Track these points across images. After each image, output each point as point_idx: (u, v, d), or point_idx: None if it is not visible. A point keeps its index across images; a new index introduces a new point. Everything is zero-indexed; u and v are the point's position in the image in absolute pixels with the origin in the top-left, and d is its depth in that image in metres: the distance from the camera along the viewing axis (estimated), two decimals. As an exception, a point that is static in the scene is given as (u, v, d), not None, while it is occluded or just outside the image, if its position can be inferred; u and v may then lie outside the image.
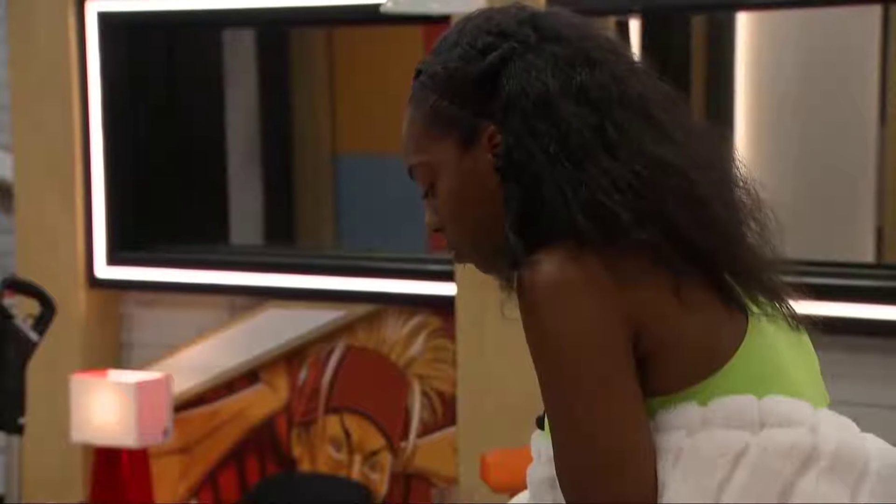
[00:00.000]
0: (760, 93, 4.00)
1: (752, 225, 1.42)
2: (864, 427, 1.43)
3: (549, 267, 1.33)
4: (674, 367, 1.35)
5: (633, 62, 1.44)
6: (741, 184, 1.43)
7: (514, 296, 1.39)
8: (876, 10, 3.83)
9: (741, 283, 1.40)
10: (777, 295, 1.43)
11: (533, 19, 1.43)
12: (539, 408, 1.50)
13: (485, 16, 1.46)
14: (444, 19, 3.77)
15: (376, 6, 3.55)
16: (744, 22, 4.02)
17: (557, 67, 1.39)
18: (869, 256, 3.89)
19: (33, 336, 3.77)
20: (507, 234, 1.39)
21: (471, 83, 1.42)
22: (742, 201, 1.42)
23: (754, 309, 1.40)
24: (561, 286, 1.32)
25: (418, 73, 1.48)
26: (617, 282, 1.32)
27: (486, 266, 1.48)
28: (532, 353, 1.35)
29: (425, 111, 1.45)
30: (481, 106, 1.42)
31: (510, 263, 1.40)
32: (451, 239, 1.48)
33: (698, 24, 3.97)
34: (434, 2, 3.47)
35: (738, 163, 1.45)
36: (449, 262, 3.93)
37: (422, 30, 4.55)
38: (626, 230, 1.33)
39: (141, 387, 4.14)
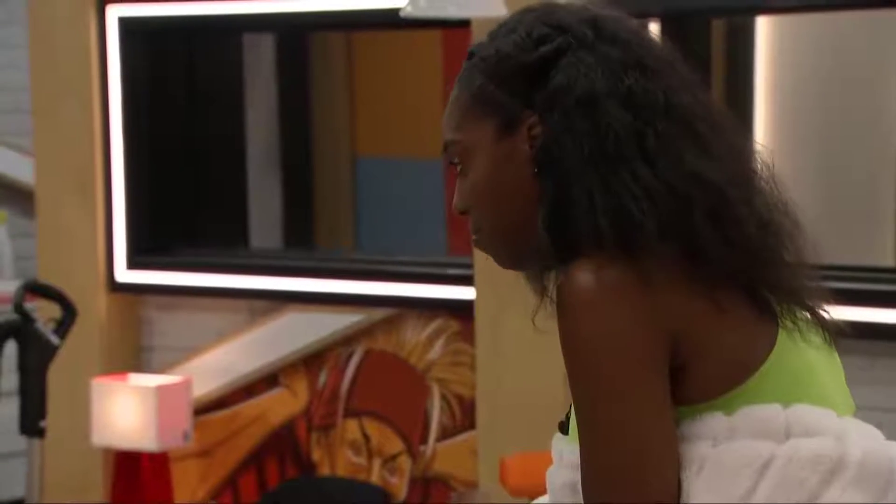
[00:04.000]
0: (780, 96, 3.99)
1: (789, 247, 1.40)
2: (885, 433, 1.43)
3: (588, 275, 1.32)
4: (707, 376, 1.34)
5: (687, 76, 1.43)
6: (780, 206, 1.41)
7: (547, 304, 1.39)
8: (896, 14, 3.82)
9: (772, 295, 1.39)
10: (808, 305, 1.42)
11: (594, 20, 1.42)
12: (558, 412, 1.50)
13: (547, 9, 1.45)
14: (462, 23, 3.77)
15: (395, 10, 3.55)
16: (763, 25, 4.01)
17: (608, 68, 1.38)
18: (889, 261, 3.88)
19: (54, 340, 3.79)
20: (538, 231, 1.39)
21: (520, 71, 1.41)
22: (779, 223, 1.40)
23: (784, 316, 1.39)
24: (599, 294, 1.31)
25: (471, 54, 1.48)
26: (656, 292, 1.31)
27: (507, 258, 1.47)
28: (565, 358, 1.34)
29: (471, 91, 1.44)
30: (526, 95, 1.41)
31: (541, 263, 1.39)
32: (475, 224, 1.47)
33: (718, 27, 3.97)
34: (453, 6, 3.47)
35: (778, 185, 1.42)
36: (468, 265, 3.93)
37: (441, 34, 4.55)
38: (648, 241, 1.32)
39: (161, 390, 4.15)
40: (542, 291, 1.46)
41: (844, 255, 3.60)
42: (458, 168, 1.47)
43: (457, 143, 1.46)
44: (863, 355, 3.41)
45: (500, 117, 1.42)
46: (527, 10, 1.46)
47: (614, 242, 1.33)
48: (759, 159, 1.43)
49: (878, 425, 1.43)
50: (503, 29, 1.46)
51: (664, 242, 1.33)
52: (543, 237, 1.38)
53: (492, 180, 1.43)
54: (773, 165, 1.43)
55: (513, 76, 1.42)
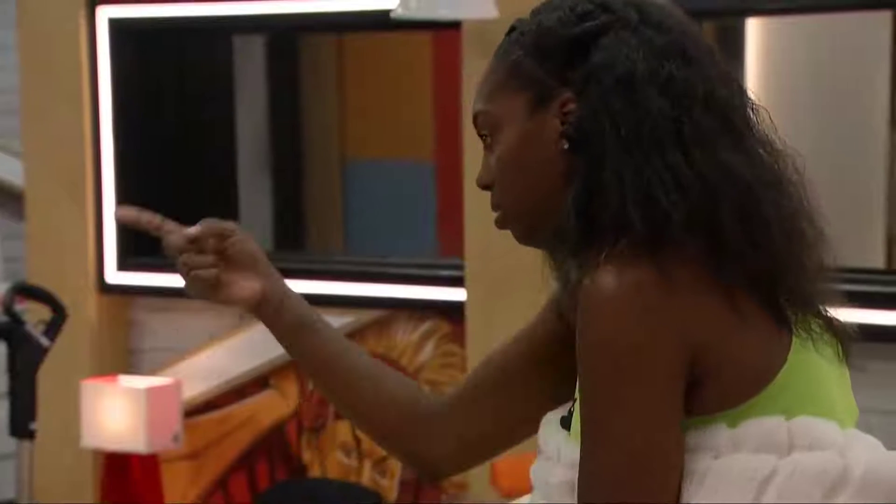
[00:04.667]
0: (770, 98, 3.99)
1: (810, 256, 1.39)
2: (878, 435, 1.43)
3: (613, 279, 1.29)
4: (723, 388, 1.32)
5: (726, 69, 1.41)
6: (806, 213, 1.40)
7: (571, 296, 1.37)
8: (886, 16, 3.83)
9: (789, 303, 1.37)
10: (823, 315, 1.40)
11: (640, 2, 1.40)
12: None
13: None
14: (453, 25, 3.77)
15: (386, 12, 3.55)
16: (753, 27, 4.02)
17: (651, 52, 1.36)
18: (880, 262, 3.88)
19: (44, 341, 3.78)
20: (560, 210, 1.36)
21: (560, 46, 1.39)
22: (803, 230, 1.38)
23: (798, 325, 1.37)
24: (623, 301, 1.29)
25: (512, 28, 1.46)
26: (680, 302, 1.29)
27: (527, 235, 1.44)
28: (582, 360, 1.31)
29: (508, 64, 1.42)
30: (564, 71, 1.39)
31: (560, 246, 1.38)
32: (499, 199, 1.44)
33: (708, 29, 3.97)
34: (443, 7, 3.47)
35: (807, 190, 1.41)
36: (459, 267, 3.93)
37: (431, 36, 4.55)
38: (673, 231, 1.30)
39: (151, 392, 4.14)
40: (565, 283, 1.42)
41: (835, 256, 3.60)
42: (486, 140, 1.45)
43: (487, 114, 1.44)
44: (854, 357, 3.41)
45: (534, 91, 1.40)
46: None
47: (641, 231, 1.30)
48: (790, 162, 1.41)
49: (870, 427, 1.42)
50: (548, 5, 1.43)
51: (690, 235, 1.30)
52: (570, 215, 1.35)
53: (519, 154, 1.41)
54: (804, 170, 1.40)
55: (552, 51, 1.39)
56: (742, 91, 1.42)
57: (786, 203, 1.38)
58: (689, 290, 1.30)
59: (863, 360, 3.68)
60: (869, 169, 3.91)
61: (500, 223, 1.46)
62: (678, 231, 1.30)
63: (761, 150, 1.39)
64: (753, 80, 4.00)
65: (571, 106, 1.38)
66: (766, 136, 1.41)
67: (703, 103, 1.35)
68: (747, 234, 1.33)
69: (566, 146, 1.38)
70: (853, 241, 3.93)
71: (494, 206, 1.45)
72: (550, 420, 1.50)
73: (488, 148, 1.45)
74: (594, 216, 1.34)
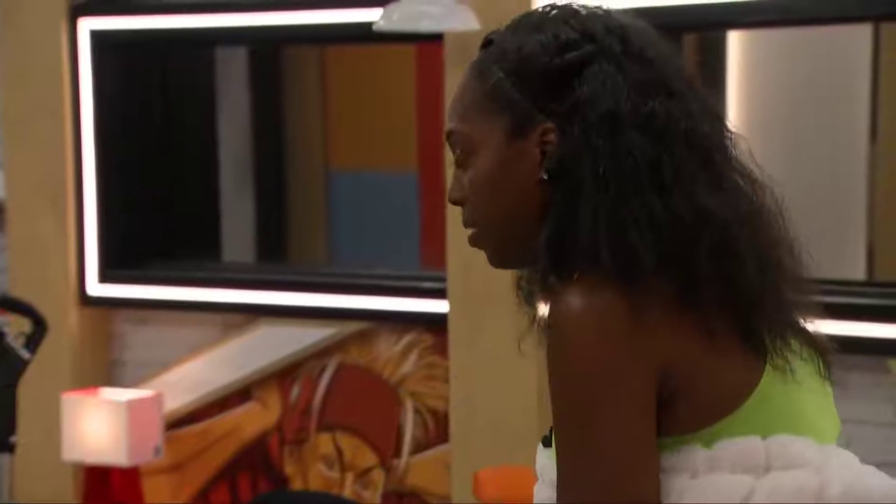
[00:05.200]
0: (751, 111, 4.01)
1: (787, 284, 1.38)
2: (857, 446, 1.43)
3: (580, 299, 1.29)
4: (693, 408, 1.32)
5: (706, 101, 1.40)
6: (784, 242, 1.40)
7: (537, 327, 1.38)
8: (866, 29, 3.85)
9: (763, 327, 1.37)
10: (801, 334, 1.41)
11: (622, 30, 1.39)
12: (532, 426, 1.50)
13: (573, 10, 1.42)
14: (436, 37, 3.78)
15: (369, 24, 3.56)
16: (735, 40, 4.03)
17: (634, 88, 1.35)
18: (860, 274, 3.90)
19: (25, 354, 3.77)
20: (533, 237, 1.36)
21: (542, 74, 1.38)
22: (780, 259, 1.38)
23: (772, 345, 1.37)
24: (590, 319, 1.29)
25: (489, 41, 1.44)
26: (648, 321, 1.29)
27: (499, 259, 1.44)
28: (550, 379, 1.32)
29: (486, 85, 1.40)
30: (545, 100, 1.38)
31: (538, 275, 1.38)
32: (471, 218, 1.44)
33: (690, 42, 3.99)
34: (426, 20, 3.48)
35: (786, 220, 1.40)
36: (442, 279, 3.93)
37: (414, 48, 4.56)
38: (644, 273, 1.30)
39: (132, 405, 4.13)
40: (533, 317, 1.43)
41: (815, 268, 3.61)
42: (458, 158, 1.44)
43: (463, 135, 1.43)
44: (834, 368, 3.42)
45: (514, 118, 1.39)
46: (551, 7, 1.43)
47: (611, 270, 1.30)
48: (768, 192, 1.41)
49: (850, 438, 1.43)
50: (526, 23, 1.42)
51: (661, 275, 1.30)
52: (542, 245, 1.36)
53: (496, 178, 1.40)
54: (784, 199, 1.40)
55: (534, 78, 1.38)
56: (721, 122, 1.41)
57: (763, 236, 1.38)
58: (655, 309, 1.30)
59: (844, 371, 3.70)
60: (850, 180, 3.92)
61: (473, 242, 1.46)
62: (650, 272, 1.30)
63: (740, 182, 1.39)
64: (735, 92, 4.02)
65: (552, 136, 1.37)
66: (745, 167, 1.41)
67: (684, 140, 1.35)
68: (721, 270, 1.33)
69: (545, 177, 1.37)
70: (834, 253, 3.94)
71: (467, 224, 1.45)
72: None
73: (460, 165, 1.44)
74: (568, 249, 1.34)
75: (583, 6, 1.43)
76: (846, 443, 1.42)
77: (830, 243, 3.96)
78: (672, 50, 1.43)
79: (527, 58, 1.39)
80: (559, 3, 1.43)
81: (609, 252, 1.31)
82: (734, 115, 4.03)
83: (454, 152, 1.45)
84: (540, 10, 1.44)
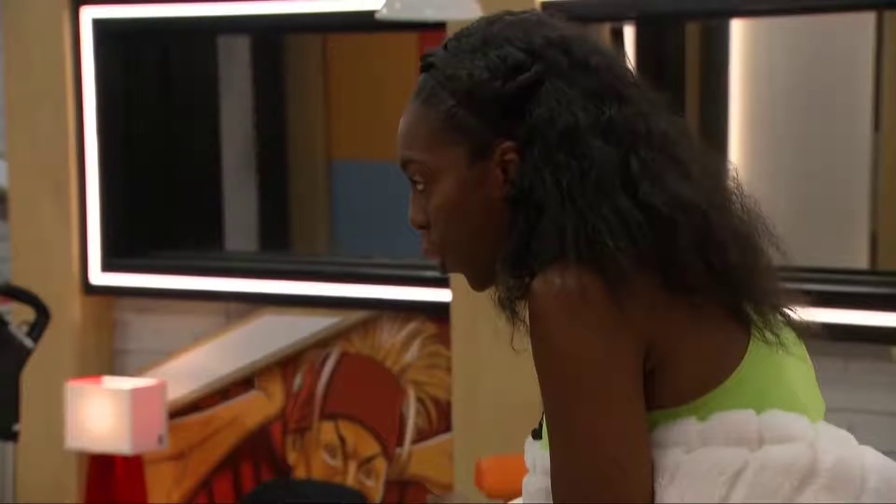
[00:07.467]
0: (754, 99, 4.01)
1: (764, 258, 1.41)
2: (858, 434, 1.44)
3: (556, 280, 1.31)
4: (678, 380, 1.34)
5: (655, 98, 1.42)
6: (753, 218, 1.41)
7: (519, 326, 1.39)
8: (870, 17, 3.85)
9: (749, 303, 1.39)
10: (781, 309, 1.42)
11: (563, 42, 1.39)
12: (535, 414, 1.50)
13: (510, 23, 1.41)
14: (438, 26, 3.77)
15: (371, 13, 3.55)
16: (738, 28, 4.03)
17: (587, 100, 1.36)
18: (863, 263, 3.90)
19: (28, 343, 3.77)
20: (503, 257, 1.38)
21: (495, 100, 1.38)
22: (756, 242, 1.40)
23: (758, 321, 1.39)
24: (567, 299, 1.30)
25: (430, 65, 1.43)
26: (628, 296, 1.30)
27: (479, 284, 1.46)
28: (536, 365, 1.34)
29: (440, 114, 1.41)
30: (502, 124, 1.38)
31: (506, 292, 1.39)
32: (436, 242, 1.45)
33: (692, 31, 3.98)
34: (429, 9, 3.47)
35: (750, 197, 1.42)
36: (444, 268, 3.93)
37: (416, 37, 4.55)
38: (622, 274, 1.31)
39: (135, 393, 4.14)
40: (513, 317, 1.43)
41: (819, 257, 3.62)
42: (417, 185, 1.44)
43: (422, 164, 1.43)
44: (836, 357, 3.42)
45: (472, 144, 1.40)
46: (488, 23, 1.43)
47: (585, 260, 1.32)
48: (730, 176, 1.43)
49: (851, 426, 1.43)
50: (466, 44, 1.41)
51: (640, 275, 1.31)
52: (500, 266, 1.37)
53: (460, 202, 1.41)
54: (742, 181, 1.42)
55: (488, 105, 1.39)
56: (675, 116, 1.42)
57: (737, 221, 1.40)
58: (636, 288, 1.31)
59: (845, 359, 3.71)
60: (853, 170, 3.92)
61: (445, 269, 1.47)
62: (629, 272, 1.31)
63: (704, 174, 1.40)
64: (738, 82, 4.01)
65: (512, 155, 1.38)
66: (704, 156, 1.42)
67: (645, 140, 1.37)
68: (705, 261, 1.35)
69: (510, 193, 1.38)
70: (837, 242, 3.94)
71: (430, 250, 1.46)
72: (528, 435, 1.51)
73: (420, 192, 1.44)
74: (535, 261, 1.35)
75: (514, 15, 1.43)
76: (847, 431, 1.42)
77: (833, 232, 3.96)
78: (612, 53, 1.43)
79: (478, 85, 1.39)
80: (492, 16, 1.43)
81: (576, 251, 1.32)
82: (737, 104, 4.03)
83: (412, 180, 1.45)
84: (475, 25, 1.44)
